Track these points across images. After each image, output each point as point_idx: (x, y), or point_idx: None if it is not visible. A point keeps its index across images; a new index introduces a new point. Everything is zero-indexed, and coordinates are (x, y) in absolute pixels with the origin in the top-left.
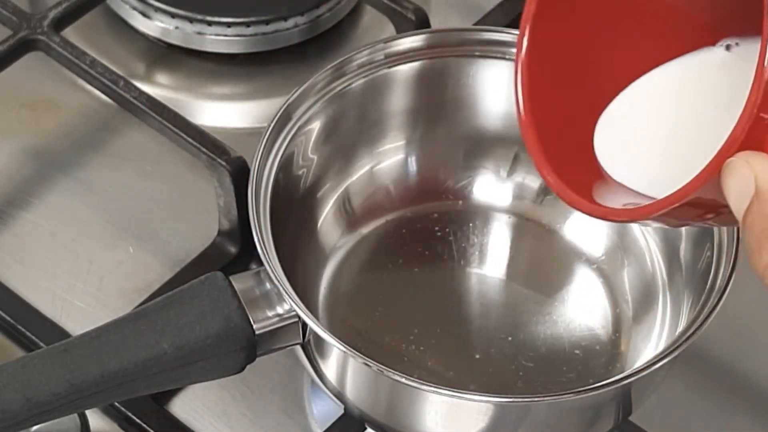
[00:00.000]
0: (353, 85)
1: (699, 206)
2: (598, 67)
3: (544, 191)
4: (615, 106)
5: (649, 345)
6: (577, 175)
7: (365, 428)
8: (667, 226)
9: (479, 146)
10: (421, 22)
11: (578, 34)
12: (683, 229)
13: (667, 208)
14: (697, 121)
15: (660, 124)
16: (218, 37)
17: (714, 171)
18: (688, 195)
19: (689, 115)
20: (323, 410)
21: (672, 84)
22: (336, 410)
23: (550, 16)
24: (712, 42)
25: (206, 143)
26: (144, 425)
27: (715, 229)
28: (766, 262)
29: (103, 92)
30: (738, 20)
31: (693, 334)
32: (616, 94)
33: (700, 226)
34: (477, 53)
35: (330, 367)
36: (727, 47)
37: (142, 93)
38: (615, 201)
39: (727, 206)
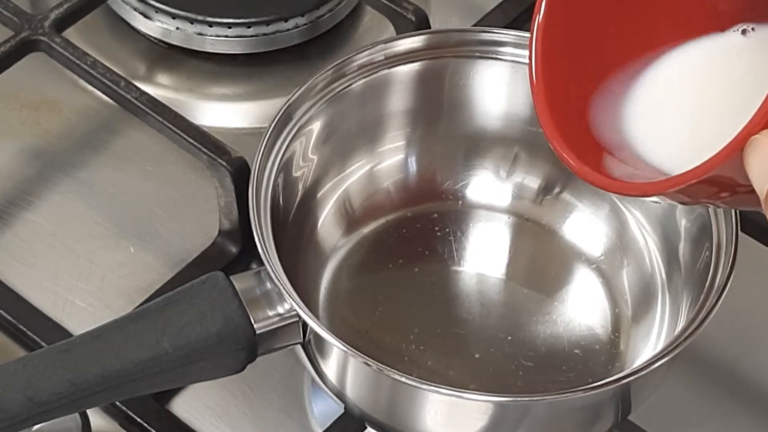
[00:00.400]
0: (353, 86)
1: (716, 184)
2: (608, 42)
3: (544, 191)
4: (638, 81)
5: (648, 344)
6: (586, 148)
7: (365, 428)
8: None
9: (479, 146)
10: (421, 23)
11: (593, 7)
12: (682, 228)
13: (686, 184)
14: (718, 101)
15: (681, 102)
16: (219, 38)
17: (738, 147)
18: (710, 170)
19: (710, 94)
20: (323, 409)
21: (695, 64)
22: (336, 409)
23: None
24: (723, 28)
25: (207, 143)
26: (145, 424)
27: (714, 229)
28: None
29: (104, 93)
30: (754, 8)
31: (692, 333)
32: (624, 68)
33: (711, 205)
34: (477, 54)
35: (330, 367)
36: (743, 32)
37: (143, 93)
38: (622, 175)
39: (743, 186)
